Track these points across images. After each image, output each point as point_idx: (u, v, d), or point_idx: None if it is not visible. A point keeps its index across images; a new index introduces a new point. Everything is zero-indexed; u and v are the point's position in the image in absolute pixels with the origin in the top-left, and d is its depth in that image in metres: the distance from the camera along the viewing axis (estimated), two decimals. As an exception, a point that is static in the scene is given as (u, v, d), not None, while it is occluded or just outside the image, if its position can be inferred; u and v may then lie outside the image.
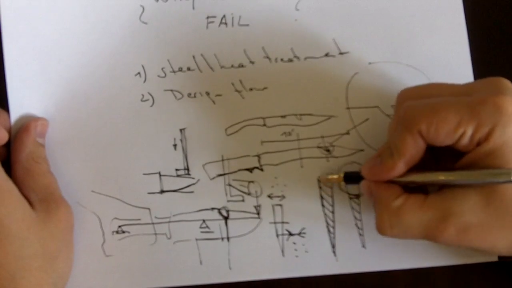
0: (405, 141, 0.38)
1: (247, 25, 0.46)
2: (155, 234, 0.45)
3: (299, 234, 0.45)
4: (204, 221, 0.45)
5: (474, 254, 0.44)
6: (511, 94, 0.37)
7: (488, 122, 0.36)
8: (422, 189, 0.41)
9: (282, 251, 0.45)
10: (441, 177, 0.39)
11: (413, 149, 0.38)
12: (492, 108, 0.36)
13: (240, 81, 0.46)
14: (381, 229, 0.40)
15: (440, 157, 0.41)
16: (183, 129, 0.46)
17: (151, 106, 0.46)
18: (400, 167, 0.39)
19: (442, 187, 0.39)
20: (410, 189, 0.40)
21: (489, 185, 0.37)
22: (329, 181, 0.44)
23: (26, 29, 0.46)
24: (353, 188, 0.45)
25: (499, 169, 0.37)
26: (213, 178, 0.45)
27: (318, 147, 0.45)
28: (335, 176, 0.44)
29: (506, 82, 0.38)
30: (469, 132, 0.37)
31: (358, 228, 0.45)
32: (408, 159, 0.39)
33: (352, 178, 0.43)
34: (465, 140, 0.37)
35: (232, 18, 0.46)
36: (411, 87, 0.42)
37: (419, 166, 0.39)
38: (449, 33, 0.46)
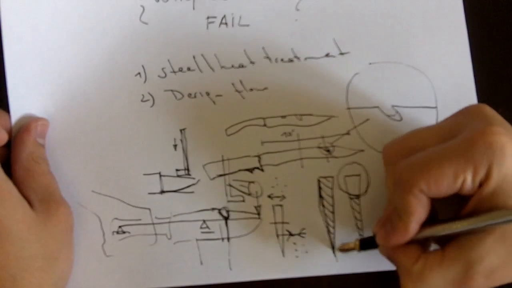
0: (409, 203, 0.38)
1: (248, 25, 0.46)
2: (156, 234, 0.45)
3: (299, 234, 0.45)
4: (204, 221, 0.45)
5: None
6: (495, 122, 0.37)
7: (484, 162, 0.36)
8: (440, 240, 0.40)
9: (282, 251, 0.45)
10: (454, 227, 0.38)
11: (420, 207, 0.38)
12: (484, 148, 0.36)
13: (241, 81, 0.46)
14: None
15: (447, 199, 0.40)
16: (183, 129, 0.46)
17: (151, 106, 0.46)
18: (412, 228, 0.39)
19: (455, 236, 0.39)
20: (428, 244, 0.40)
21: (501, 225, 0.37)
22: (345, 249, 0.44)
23: (26, 29, 0.46)
24: (353, 188, 0.45)
25: (507, 210, 0.36)
26: (214, 178, 0.45)
27: (319, 147, 0.45)
28: (352, 244, 0.43)
29: (486, 109, 0.38)
30: (469, 178, 0.36)
31: (358, 228, 0.45)
32: (418, 218, 0.38)
33: (368, 244, 0.43)
34: (467, 186, 0.37)
35: (233, 18, 0.46)
36: (393, 141, 0.41)
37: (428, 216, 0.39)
38: (449, 33, 0.46)
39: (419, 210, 0.38)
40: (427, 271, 0.38)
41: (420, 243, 0.40)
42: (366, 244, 0.43)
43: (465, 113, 0.39)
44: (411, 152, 0.39)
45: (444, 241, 0.40)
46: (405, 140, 0.41)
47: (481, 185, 0.37)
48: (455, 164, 0.36)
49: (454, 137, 0.38)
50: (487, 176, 0.36)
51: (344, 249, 0.44)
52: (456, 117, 0.40)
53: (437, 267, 0.38)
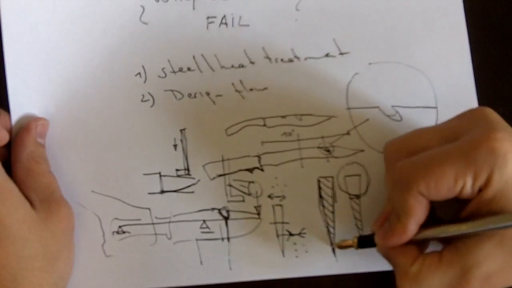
0: (408, 203, 0.38)
1: (247, 25, 0.46)
2: (155, 234, 0.45)
3: (299, 234, 0.45)
4: (204, 221, 0.45)
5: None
6: (499, 127, 0.37)
7: (485, 168, 0.35)
8: (438, 243, 0.40)
9: (282, 251, 0.45)
10: (452, 230, 0.38)
11: (419, 209, 0.38)
12: (486, 153, 0.35)
13: (240, 81, 0.46)
14: None
15: (446, 203, 0.39)
16: (183, 129, 0.46)
17: (151, 106, 0.46)
18: (411, 229, 0.38)
19: (453, 239, 0.39)
20: (426, 246, 0.40)
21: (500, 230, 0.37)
22: (343, 246, 0.44)
23: (26, 29, 0.46)
24: (353, 188, 0.45)
25: (506, 214, 0.36)
26: (213, 178, 0.45)
27: (319, 147, 0.45)
28: (350, 242, 0.43)
29: (491, 113, 0.38)
30: (469, 182, 0.36)
31: (358, 228, 0.45)
32: (417, 219, 0.38)
33: (366, 242, 0.43)
34: (467, 190, 0.36)
35: (233, 18, 0.46)
36: (395, 140, 0.41)
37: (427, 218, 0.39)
38: (449, 33, 0.46)
39: (418, 212, 0.38)
40: (424, 273, 0.38)
41: (418, 244, 0.40)
42: (364, 242, 0.43)
43: (469, 116, 0.39)
44: (413, 151, 0.39)
45: (443, 241, 0.40)
46: (407, 139, 0.40)
47: (480, 190, 0.36)
48: (456, 167, 0.36)
49: (457, 139, 0.37)
50: (488, 181, 0.36)
51: (342, 246, 0.44)
52: (460, 119, 0.40)
53: (434, 270, 0.38)
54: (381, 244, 0.41)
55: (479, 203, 0.37)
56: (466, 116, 0.39)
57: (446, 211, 0.40)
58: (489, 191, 0.36)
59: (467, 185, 0.36)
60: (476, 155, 0.36)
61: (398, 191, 0.38)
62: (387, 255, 0.41)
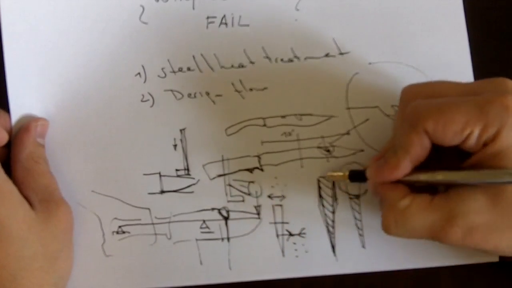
0: (410, 139, 0.38)
1: (247, 25, 0.46)
2: (155, 234, 0.45)
3: (299, 234, 0.45)
4: (204, 221, 0.45)
5: (475, 254, 0.44)
6: None
7: (496, 122, 0.36)
8: (430, 190, 0.40)
9: (282, 251, 0.45)
10: (447, 176, 0.38)
11: (419, 147, 0.38)
12: (500, 109, 0.36)
13: (240, 81, 0.46)
14: (387, 229, 0.39)
15: (447, 157, 0.40)
16: (183, 129, 0.46)
17: (151, 106, 0.46)
18: (405, 166, 0.39)
19: (448, 187, 0.39)
20: (418, 189, 0.40)
21: (495, 186, 0.37)
22: (333, 178, 0.44)
23: (26, 29, 0.46)
24: (353, 188, 0.45)
25: (505, 169, 0.36)
26: (213, 178, 0.45)
27: (318, 147, 0.45)
28: (340, 174, 0.44)
29: (510, 82, 0.38)
30: (476, 132, 0.36)
31: (358, 228, 0.45)
32: (413, 158, 0.38)
33: (357, 176, 0.43)
34: (472, 141, 0.37)
35: (232, 18, 0.46)
36: (415, 84, 0.41)
37: (424, 167, 0.39)
38: (449, 33, 0.46)
39: (416, 149, 0.38)
40: (411, 210, 0.38)
41: (410, 188, 0.40)
42: (356, 175, 0.43)
43: (491, 81, 0.39)
44: (430, 96, 0.39)
45: (436, 193, 0.40)
46: (427, 85, 0.41)
47: (485, 145, 0.37)
48: (468, 115, 0.36)
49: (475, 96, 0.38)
50: (495, 136, 0.36)
51: (333, 176, 0.44)
52: (482, 81, 0.40)
53: (421, 209, 0.38)
54: (372, 177, 0.41)
55: (482, 157, 0.37)
56: (487, 81, 0.39)
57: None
58: (494, 146, 0.36)
59: (474, 135, 0.36)
60: (490, 108, 0.36)
61: (405, 126, 0.38)
62: (377, 190, 0.41)
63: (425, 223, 0.38)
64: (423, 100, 0.39)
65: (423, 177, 0.39)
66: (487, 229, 0.37)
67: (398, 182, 0.39)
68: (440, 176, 0.39)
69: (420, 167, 0.39)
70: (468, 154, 0.38)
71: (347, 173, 0.43)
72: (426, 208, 0.38)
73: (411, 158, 0.38)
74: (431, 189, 0.40)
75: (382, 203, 0.41)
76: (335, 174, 0.44)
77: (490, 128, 0.36)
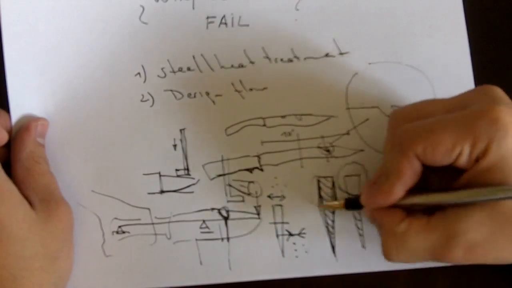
0: (401, 165, 0.38)
1: (247, 25, 0.46)
2: (155, 234, 0.45)
3: (299, 234, 0.45)
4: (204, 221, 0.45)
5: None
6: (504, 102, 0.37)
7: (484, 137, 0.36)
8: (426, 211, 0.40)
9: (282, 251, 0.45)
10: (442, 198, 0.38)
11: (410, 171, 0.38)
12: (487, 122, 0.36)
13: (240, 81, 0.46)
14: (387, 255, 0.39)
15: (441, 174, 0.40)
16: (183, 129, 0.46)
17: (151, 106, 0.46)
18: (397, 191, 0.38)
19: (445, 207, 0.39)
20: (414, 211, 0.39)
21: (491, 202, 0.37)
22: (330, 207, 0.44)
23: (26, 29, 0.46)
24: (353, 188, 0.45)
25: (499, 186, 0.36)
26: (213, 178, 0.45)
27: (318, 147, 0.45)
28: (336, 203, 0.44)
29: (498, 91, 0.38)
30: (466, 150, 0.36)
31: (358, 228, 0.45)
32: (405, 182, 0.38)
33: (353, 204, 0.43)
34: (464, 158, 0.37)
35: (232, 18, 0.46)
36: (403, 107, 0.41)
37: (419, 187, 0.39)
38: (449, 33, 0.46)
39: (408, 174, 0.38)
40: (410, 234, 0.38)
41: (407, 211, 0.39)
42: (352, 203, 0.43)
43: (476, 91, 0.39)
44: (417, 119, 0.39)
45: (432, 213, 0.39)
46: (414, 107, 0.41)
47: (477, 160, 0.36)
48: (456, 133, 0.36)
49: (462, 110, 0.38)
50: (485, 151, 0.36)
51: (329, 206, 0.44)
52: (467, 93, 0.40)
53: (420, 232, 0.38)
54: (366, 203, 0.40)
55: (474, 174, 0.37)
56: (473, 91, 0.39)
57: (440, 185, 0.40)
58: (485, 161, 0.36)
59: (464, 153, 0.36)
60: (477, 124, 0.36)
61: (394, 152, 0.38)
62: (373, 217, 0.40)
63: (425, 245, 0.38)
64: (411, 123, 0.38)
65: (418, 200, 0.39)
66: (487, 245, 0.37)
67: (394, 206, 0.39)
68: (435, 198, 0.38)
69: (414, 189, 0.39)
70: (462, 170, 0.38)
71: (343, 202, 0.43)
72: (424, 230, 0.38)
73: (403, 182, 0.38)
74: (428, 209, 0.40)
75: (380, 229, 0.40)
76: (331, 204, 0.44)
77: (479, 143, 0.36)
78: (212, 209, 0.45)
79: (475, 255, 0.37)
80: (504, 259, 0.38)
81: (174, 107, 0.46)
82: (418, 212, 0.39)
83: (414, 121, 0.39)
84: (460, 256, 0.37)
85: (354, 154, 0.45)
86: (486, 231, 0.37)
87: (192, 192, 0.45)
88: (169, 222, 0.45)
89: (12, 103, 0.45)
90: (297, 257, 0.45)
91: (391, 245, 0.39)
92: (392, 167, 0.38)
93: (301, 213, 0.45)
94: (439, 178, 0.40)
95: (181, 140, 0.45)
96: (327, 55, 0.46)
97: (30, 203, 0.42)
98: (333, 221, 0.45)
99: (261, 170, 0.45)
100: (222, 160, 0.45)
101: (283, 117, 0.46)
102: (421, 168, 0.38)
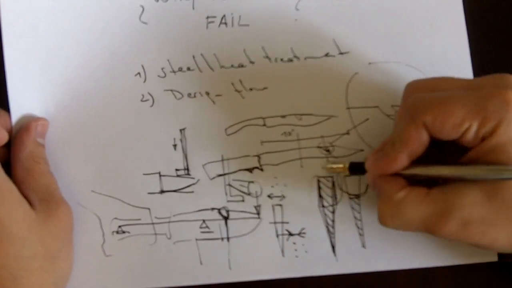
0: (408, 132, 0.38)
1: (247, 25, 0.46)
2: (155, 234, 0.45)
3: (299, 234, 0.45)
4: (204, 221, 0.45)
5: (475, 254, 0.44)
6: None
7: (494, 117, 0.36)
8: (429, 183, 0.40)
9: (282, 251, 0.45)
10: (444, 171, 0.38)
11: (417, 140, 0.38)
12: (499, 103, 0.36)
13: (240, 81, 0.46)
14: (382, 220, 0.40)
15: (445, 151, 0.40)
16: (183, 129, 0.46)
17: (151, 106, 0.46)
18: (402, 159, 0.39)
19: (445, 181, 0.39)
20: (417, 182, 0.40)
21: (492, 181, 0.37)
22: (333, 170, 0.44)
23: (26, 29, 0.46)
24: (353, 188, 0.45)
25: (502, 165, 0.36)
26: (213, 178, 0.45)
27: (318, 147, 0.45)
28: (341, 166, 0.44)
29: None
30: (474, 127, 0.37)
31: (358, 228, 0.45)
32: (411, 151, 0.39)
33: (357, 168, 0.43)
34: (470, 135, 0.37)
35: (232, 18, 0.46)
36: (420, 79, 0.41)
37: (423, 161, 0.39)
38: (449, 33, 0.46)
39: (415, 143, 0.38)
40: (407, 202, 0.38)
41: (408, 182, 0.40)
42: (356, 167, 0.43)
43: (494, 76, 0.39)
44: (433, 91, 0.39)
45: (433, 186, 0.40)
46: (431, 81, 0.41)
47: (483, 139, 0.37)
48: (467, 109, 0.36)
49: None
50: (493, 131, 0.36)
51: (333, 169, 0.44)
52: (484, 77, 0.40)
53: (417, 201, 0.38)
54: (370, 169, 0.41)
55: (479, 152, 0.37)
56: (490, 76, 0.40)
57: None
58: (492, 141, 0.36)
59: (472, 129, 0.37)
60: (489, 103, 0.36)
61: (404, 120, 0.39)
62: (375, 183, 0.41)
63: (420, 216, 0.38)
64: (424, 93, 0.39)
65: (420, 171, 0.39)
66: (483, 224, 0.37)
67: (397, 175, 0.40)
68: (437, 171, 0.39)
69: (418, 161, 0.39)
70: (467, 149, 0.38)
71: (347, 165, 0.43)
72: (422, 200, 0.38)
73: (408, 151, 0.39)
74: (430, 182, 0.40)
75: (379, 195, 0.41)
76: (335, 166, 0.44)
77: (488, 122, 0.36)
78: (212, 209, 0.45)
79: (467, 232, 0.37)
80: (499, 244, 0.38)
81: (174, 107, 0.46)
82: (419, 184, 0.39)
83: (428, 93, 0.39)
84: (452, 230, 0.37)
85: (354, 154, 0.45)
86: (483, 211, 0.37)
87: (192, 192, 0.45)
88: (169, 222, 0.45)
89: (12, 103, 0.45)
90: (297, 257, 0.45)
91: (387, 211, 0.39)
92: (399, 135, 0.39)
93: (301, 213, 0.45)
94: (442, 156, 0.40)
95: (181, 140, 0.45)
96: (327, 55, 0.46)
97: (30, 203, 0.42)
98: (333, 221, 0.45)
99: (261, 170, 0.45)
100: (222, 160, 0.45)
101: (283, 117, 0.46)
102: (428, 139, 0.38)
